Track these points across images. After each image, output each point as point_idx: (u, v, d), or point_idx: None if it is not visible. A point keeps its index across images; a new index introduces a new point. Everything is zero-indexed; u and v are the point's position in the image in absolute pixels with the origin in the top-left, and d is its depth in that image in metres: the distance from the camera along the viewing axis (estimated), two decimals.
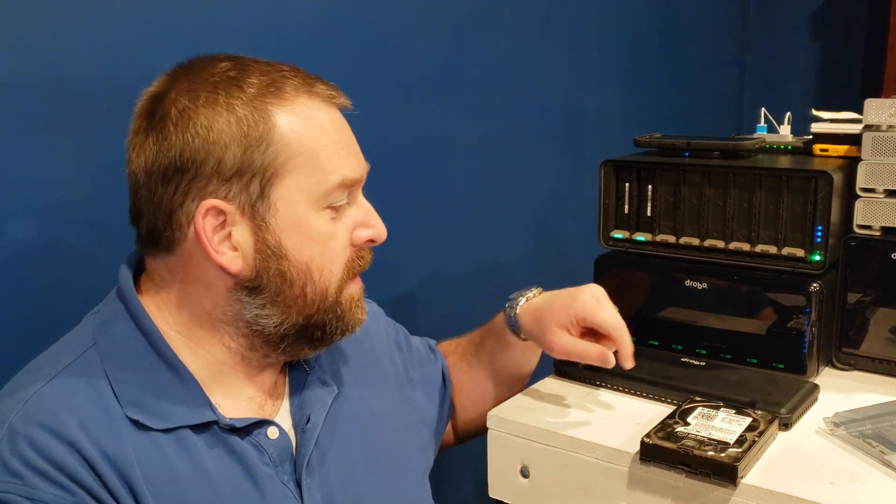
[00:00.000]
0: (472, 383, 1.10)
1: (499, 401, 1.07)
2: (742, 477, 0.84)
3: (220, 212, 0.77)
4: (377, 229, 0.85)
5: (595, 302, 0.98)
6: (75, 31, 0.99)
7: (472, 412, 1.10)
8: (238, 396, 0.84)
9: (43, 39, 0.96)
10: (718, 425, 0.91)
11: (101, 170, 1.02)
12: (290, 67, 0.82)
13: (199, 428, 0.79)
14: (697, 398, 0.97)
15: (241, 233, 0.78)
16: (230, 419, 0.80)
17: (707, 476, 0.85)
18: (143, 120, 0.79)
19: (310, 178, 0.78)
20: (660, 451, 0.88)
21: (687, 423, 0.92)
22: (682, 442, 0.88)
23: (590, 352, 0.97)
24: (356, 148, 0.84)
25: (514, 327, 1.04)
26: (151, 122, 0.78)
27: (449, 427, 1.12)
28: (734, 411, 0.94)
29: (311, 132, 0.79)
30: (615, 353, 0.97)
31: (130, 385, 0.77)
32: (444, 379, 1.10)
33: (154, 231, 0.79)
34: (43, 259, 0.99)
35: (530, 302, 1.04)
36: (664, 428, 0.91)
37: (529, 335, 1.03)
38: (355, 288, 0.86)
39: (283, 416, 0.87)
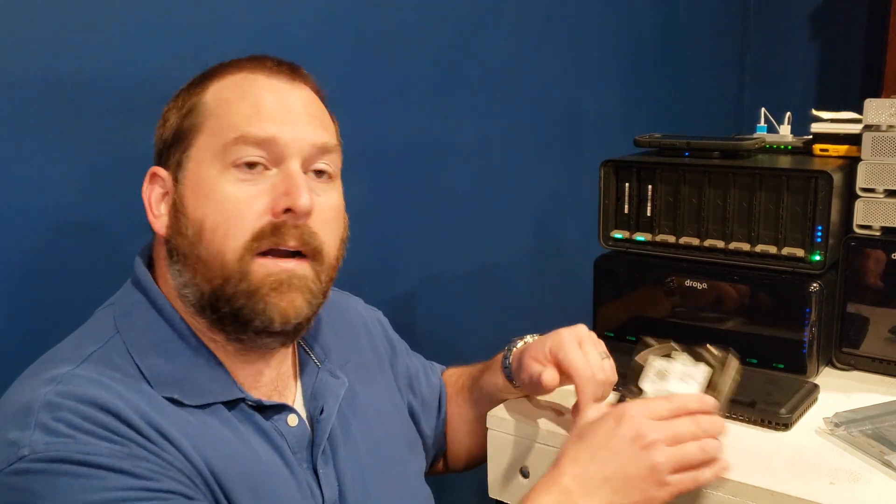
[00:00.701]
0: (461, 418, 1.09)
1: (482, 438, 1.04)
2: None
3: (159, 177, 0.82)
4: (295, 199, 0.77)
5: (573, 340, 0.92)
6: (75, 31, 0.99)
7: (459, 446, 1.10)
8: (251, 385, 0.84)
9: (43, 39, 0.96)
10: (676, 388, 0.86)
11: (101, 170, 1.02)
12: (263, 55, 0.85)
13: (230, 405, 0.80)
14: (644, 346, 0.90)
15: (169, 195, 0.82)
16: (256, 398, 0.82)
17: None
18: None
19: (214, 136, 0.79)
20: None
21: (641, 391, 0.87)
22: None
23: (544, 379, 0.92)
24: (292, 116, 0.80)
25: (507, 369, 1.00)
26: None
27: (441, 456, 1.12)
28: (687, 358, 0.87)
29: (231, 95, 0.81)
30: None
31: (160, 369, 0.78)
32: (440, 402, 1.09)
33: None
34: (43, 259, 0.99)
35: (525, 344, 0.99)
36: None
37: (515, 377, 0.99)
38: (271, 266, 0.78)
39: (298, 405, 0.88)
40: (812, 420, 0.98)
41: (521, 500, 0.79)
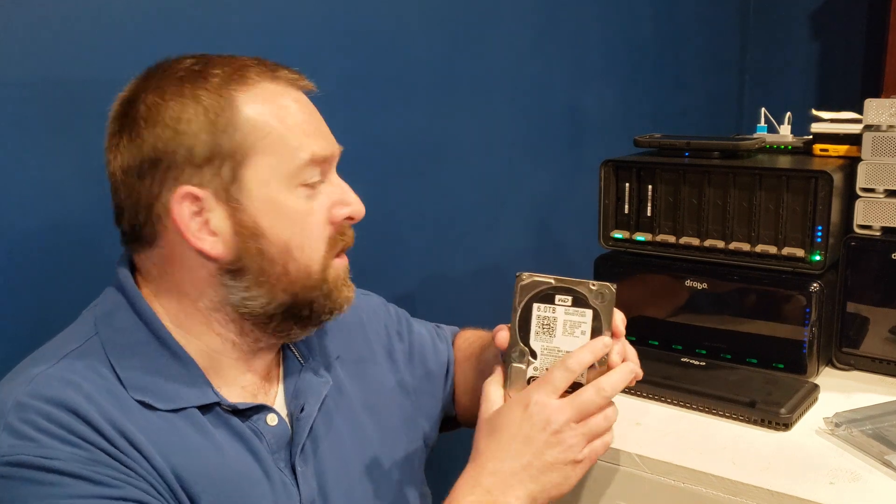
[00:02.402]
0: (469, 385, 1.10)
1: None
2: None
3: (196, 198, 0.78)
4: (354, 206, 0.85)
5: None
6: (75, 32, 0.99)
7: (464, 410, 1.10)
8: (233, 384, 0.85)
9: (43, 40, 0.96)
10: (566, 345, 0.83)
11: (100, 170, 1.02)
12: (253, 58, 0.84)
13: (204, 409, 0.80)
14: (520, 282, 0.86)
15: (219, 217, 0.79)
16: (232, 402, 0.82)
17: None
18: (116, 123, 0.82)
19: (279, 157, 0.80)
20: None
21: (532, 356, 0.84)
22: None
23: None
24: (325, 128, 0.85)
25: None
26: (124, 124, 0.80)
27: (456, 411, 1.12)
28: (569, 302, 0.84)
29: (277, 113, 0.80)
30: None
31: (134, 370, 0.78)
32: (448, 370, 1.10)
33: (136, 227, 0.81)
34: (42, 259, 0.99)
35: None
36: (509, 379, 0.83)
37: None
38: (340, 265, 0.86)
39: (279, 404, 0.88)
40: (812, 420, 0.98)
41: (444, 502, 0.80)
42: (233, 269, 0.80)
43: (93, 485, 0.70)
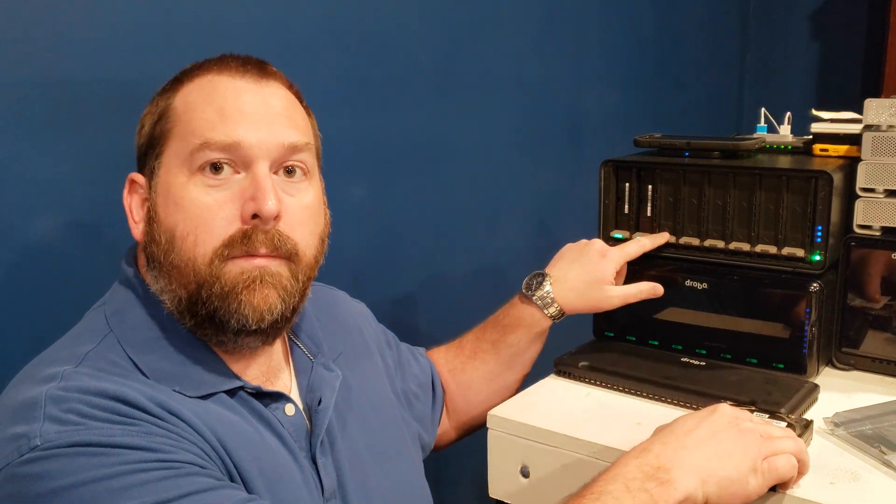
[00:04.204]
0: (485, 379, 1.11)
1: (510, 389, 1.12)
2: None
3: (138, 184, 0.83)
4: (260, 204, 0.77)
5: (610, 256, 1.11)
6: (75, 32, 0.99)
7: (483, 405, 1.10)
8: (243, 375, 0.85)
9: (43, 39, 0.97)
10: None
11: (100, 170, 1.02)
12: (238, 55, 0.85)
13: (230, 393, 0.80)
14: (729, 403, 0.93)
15: (139, 202, 0.83)
16: (255, 385, 0.82)
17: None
18: None
19: (181, 142, 0.79)
20: None
21: None
22: None
23: (643, 291, 1.11)
24: (251, 117, 0.79)
25: (556, 314, 1.10)
26: None
27: (449, 427, 1.13)
28: (767, 415, 0.91)
29: (197, 98, 0.80)
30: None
31: (156, 364, 0.78)
32: (434, 384, 1.11)
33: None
34: (43, 259, 0.99)
35: (560, 284, 1.09)
36: None
37: (578, 310, 1.11)
38: (247, 266, 0.78)
39: (294, 397, 0.88)
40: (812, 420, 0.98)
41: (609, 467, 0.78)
42: (146, 256, 0.82)
43: (150, 452, 0.69)
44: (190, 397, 0.77)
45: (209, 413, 0.77)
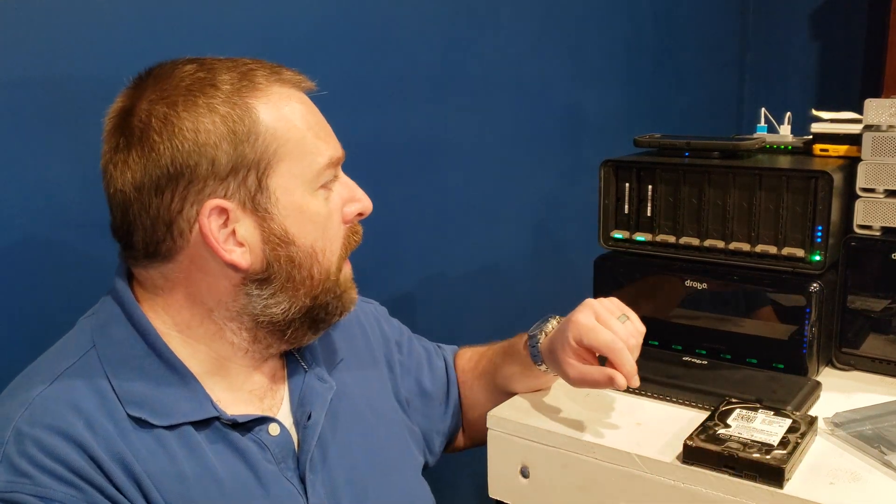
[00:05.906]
0: (486, 401, 1.10)
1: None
2: (788, 479, 0.84)
3: (223, 210, 0.77)
4: (363, 202, 0.87)
5: (590, 321, 0.94)
6: (75, 31, 0.99)
7: (479, 428, 1.10)
8: (239, 390, 0.85)
9: (43, 39, 0.96)
10: (759, 427, 0.90)
11: (99, 170, 1.02)
12: (252, 60, 0.83)
13: (202, 425, 0.80)
14: (734, 399, 0.96)
15: (246, 227, 0.79)
16: (232, 415, 0.81)
17: (753, 478, 0.84)
18: (118, 137, 0.78)
19: (301, 162, 0.80)
20: (703, 453, 0.87)
21: (727, 426, 0.91)
22: (726, 444, 0.87)
23: (598, 378, 0.93)
24: (330, 128, 0.86)
25: (538, 360, 1.01)
26: (130, 137, 0.77)
27: (459, 435, 1.13)
28: (773, 412, 0.92)
29: (292, 118, 0.81)
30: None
31: (131, 385, 0.78)
32: (449, 390, 1.10)
33: (152, 242, 0.79)
34: (41, 259, 0.99)
35: (548, 336, 1.01)
36: (705, 430, 0.90)
37: (551, 368, 1.01)
38: (349, 267, 0.88)
39: (283, 414, 0.87)
40: None
41: None
42: (260, 279, 0.80)
43: None
44: (156, 427, 0.77)
45: (168, 459, 0.76)
